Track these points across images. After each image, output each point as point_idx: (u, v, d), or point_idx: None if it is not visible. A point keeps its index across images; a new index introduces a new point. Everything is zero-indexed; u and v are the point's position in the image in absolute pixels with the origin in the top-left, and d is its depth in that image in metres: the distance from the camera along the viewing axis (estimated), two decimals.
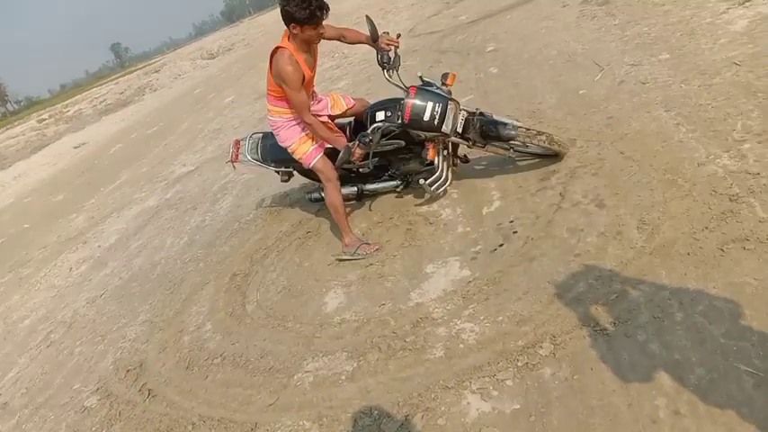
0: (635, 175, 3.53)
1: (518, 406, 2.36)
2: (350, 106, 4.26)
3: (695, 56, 4.81)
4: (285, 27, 3.56)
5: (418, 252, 3.74)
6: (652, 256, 2.83)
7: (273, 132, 4.10)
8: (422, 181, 3.98)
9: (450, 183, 4.07)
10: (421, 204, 4.27)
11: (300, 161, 4.04)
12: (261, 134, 4.73)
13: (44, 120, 30.24)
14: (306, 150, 3.97)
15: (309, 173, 4.41)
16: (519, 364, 2.55)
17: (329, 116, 4.17)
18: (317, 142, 3.98)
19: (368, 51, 11.33)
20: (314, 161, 3.98)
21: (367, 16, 3.84)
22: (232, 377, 3.29)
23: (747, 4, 5.33)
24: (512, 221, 3.63)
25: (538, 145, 3.86)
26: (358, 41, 3.93)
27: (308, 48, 3.70)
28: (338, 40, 3.97)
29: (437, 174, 3.95)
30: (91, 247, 6.69)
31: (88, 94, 35.56)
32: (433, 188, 3.98)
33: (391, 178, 4.44)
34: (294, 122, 3.95)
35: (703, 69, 4.50)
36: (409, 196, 4.45)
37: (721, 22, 5.25)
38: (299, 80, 3.61)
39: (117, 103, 25.32)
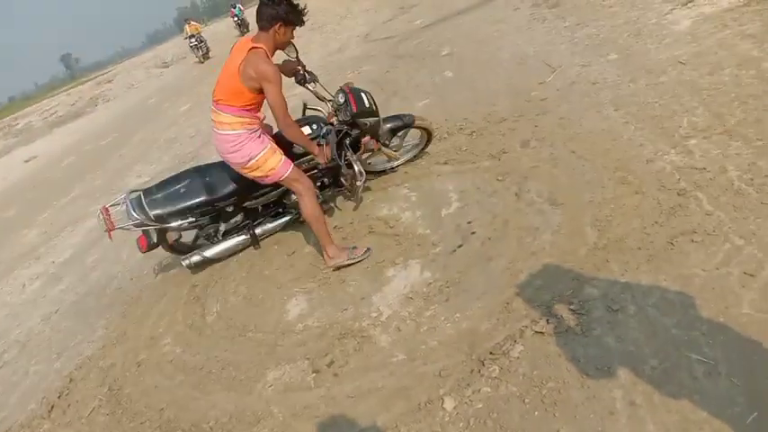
0: (587, 173, 3.62)
1: (480, 405, 2.39)
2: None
3: (642, 56, 4.95)
4: (255, 31, 3.46)
5: (379, 255, 3.75)
6: (605, 251, 2.90)
7: (229, 150, 3.61)
8: (358, 182, 4.11)
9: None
10: (381, 208, 4.28)
11: (267, 176, 3.66)
12: (140, 191, 4.06)
13: None
14: (277, 161, 3.63)
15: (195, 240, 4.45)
16: (478, 362, 2.58)
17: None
18: (283, 152, 3.71)
19: (325, 55, 11.39)
20: (288, 172, 3.66)
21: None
22: (194, 390, 3.24)
23: (690, 4, 5.51)
24: (470, 222, 3.67)
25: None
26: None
27: (272, 54, 3.51)
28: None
29: (358, 171, 4.07)
30: (44, 262, 6.49)
31: (38, 107, 34.46)
32: (359, 185, 4.13)
33: (282, 214, 4.44)
34: (259, 131, 3.65)
35: (650, 69, 4.64)
36: (369, 200, 4.46)
37: (666, 22, 5.42)
38: (281, 79, 3.42)
39: (68, 114, 24.63)
